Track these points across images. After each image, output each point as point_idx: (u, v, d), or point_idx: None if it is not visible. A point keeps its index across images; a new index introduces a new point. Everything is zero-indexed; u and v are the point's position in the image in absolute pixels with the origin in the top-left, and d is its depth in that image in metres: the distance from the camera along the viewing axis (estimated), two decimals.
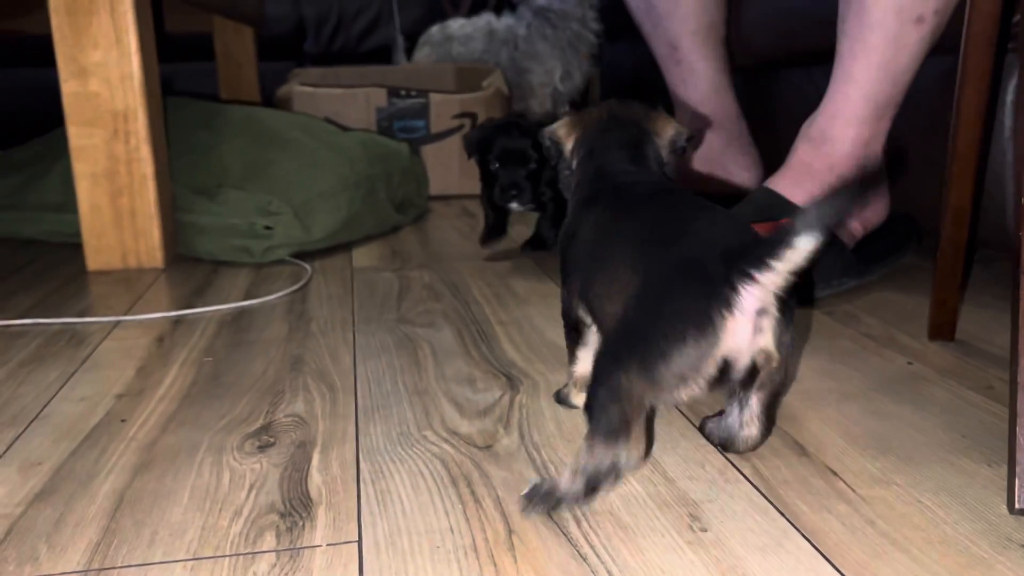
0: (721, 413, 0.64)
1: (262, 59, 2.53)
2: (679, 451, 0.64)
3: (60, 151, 1.34)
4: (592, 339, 0.68)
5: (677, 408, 0.71)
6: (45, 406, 0.76)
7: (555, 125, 0.74)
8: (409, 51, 2.76)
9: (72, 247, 1.37)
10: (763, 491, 0.58)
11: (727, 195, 1.14)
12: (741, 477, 0.60)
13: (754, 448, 0.62)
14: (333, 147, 1.51)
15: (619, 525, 0.54)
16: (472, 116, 1.96)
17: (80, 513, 0.57)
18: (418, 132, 1.95)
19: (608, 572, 0.49)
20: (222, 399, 0.76)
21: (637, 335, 0.53)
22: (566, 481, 0.54)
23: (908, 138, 1.09)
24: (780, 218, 1.00)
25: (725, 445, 0.63)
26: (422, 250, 1.39)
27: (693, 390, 0.53)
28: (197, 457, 0.65)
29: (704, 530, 0.53)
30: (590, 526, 0.54)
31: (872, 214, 1.08)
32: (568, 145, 0.73)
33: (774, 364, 0.55)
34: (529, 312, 1.01)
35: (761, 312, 0.53)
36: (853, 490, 0.58)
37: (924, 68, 1.00)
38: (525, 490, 0.56)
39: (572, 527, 0.54)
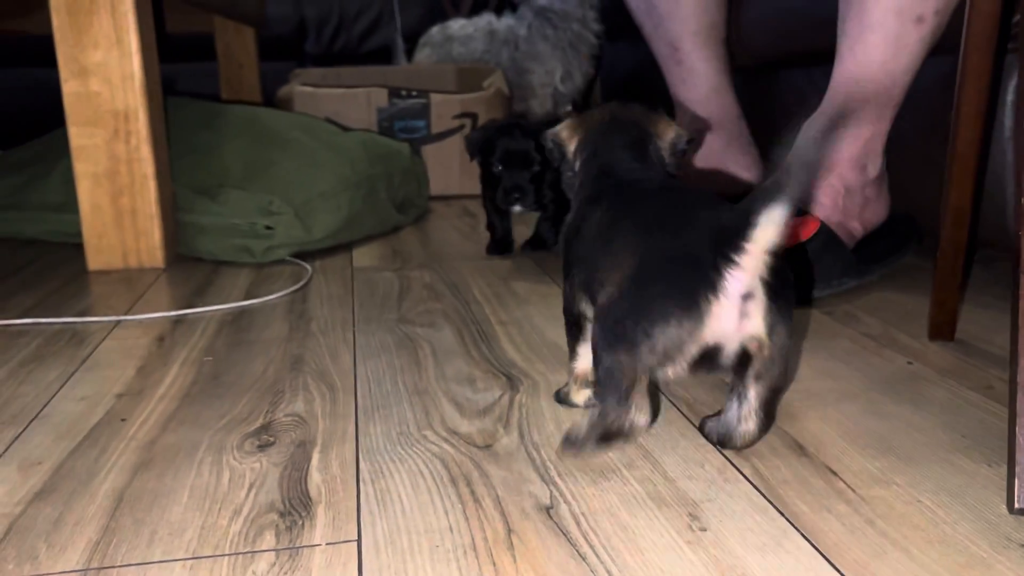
0: (721, 413, 0.64)
1: (263, 59, 2.53)
2: (679, 451, 0.64)
3: (61, 151, 1.34)
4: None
5: (677, 408, 0.71)
6: (45, 405, 0.76)
7: (558, 128, 0.76)
8: (409, 52, 2.76)
9: (73, 247, 1.37)
10: (763, 491, 0.58)
11: (730, 193, 1.14)
12: (741, 477, 0.60)
13: (752, 443, 0.62)
14: (334, 147, 1.51)
15: (619, 525, 0.54)
16: (473, 116, 1.96)
17: (80, 512, 0.57)
18: (419, 132, 1.95)
19: (608, 572, 0.49)
20: (222, 398, 0.76)
21: (627, 315, 0.56)
22: (584, 434, 0.59)
23: (908, 138, 1.09)
24: None
25: (723, 441, 0.63)
26: (422, 250, 1.39)
27: (677, 370, 0.57)
28: (197, 456, 0.65)
29: (704, 530, 0.53)
30: (590, 526, 0.54)
31: (872, 214, 1.08)
32: (571, 147, 0.75)
33: (766, 352, 0.57)
34: (529, 312, 1.01)
35: (747, 296, 0.55)
36: (853, 490, 0.58)
37: (924, 68, 1.00)
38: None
39: (572, 527, 0.54)
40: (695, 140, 1.39)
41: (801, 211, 1.01)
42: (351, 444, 0.66)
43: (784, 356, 0.58)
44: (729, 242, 0.53)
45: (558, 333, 0.90)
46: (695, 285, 0.54)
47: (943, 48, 0.97)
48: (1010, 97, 0.94)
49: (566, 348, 0.72)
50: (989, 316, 0.94)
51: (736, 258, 0.53)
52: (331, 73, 2.14)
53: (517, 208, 1.25)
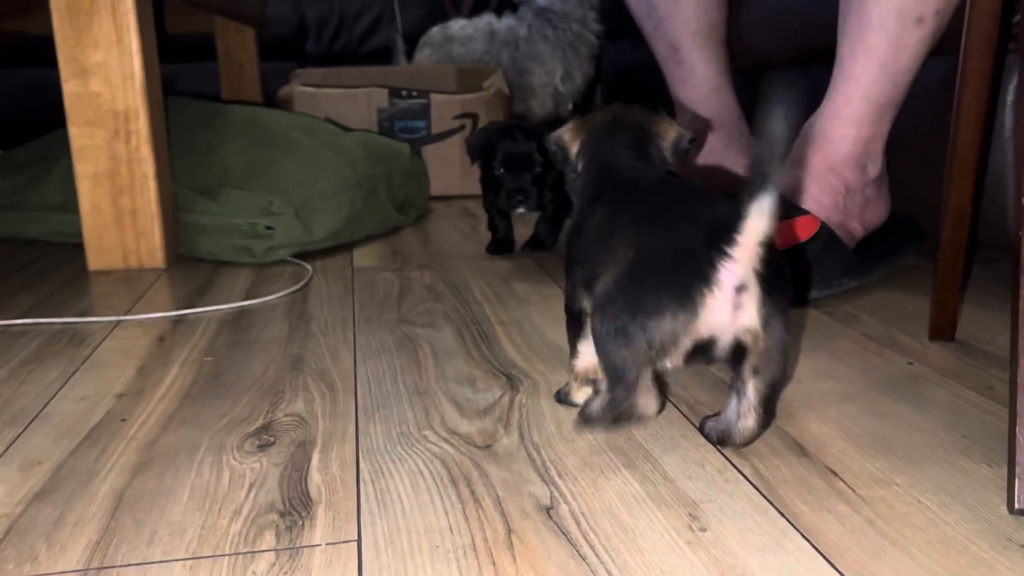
0: (721, 413, 0.64)
1: (264, 59, 2.53)
2: (679, 451, 0.64)
3: (61, 151, 1.34)
4: None
5: (677, 409, 0.71)
6: (45, 405, 0.76)
7: (561, 131, 0.78)
8: (410, 53, 2.76)
9: (73, 247, 1.37)
10: (763, 491, 0.57)
11: (732, 192, 1.14)
12: (741, 477, 0.60)
13: (751, 440, 0.62)
14: (334, 147, 1.51)
15: (619, 525, 0.54)
16: (473, 117, 1.96)
17: (80, 512, 0.57)
18: (419, 132, 1.95)
19: (608, 572, 0.49)
20: (222, 398, 0.76)
21: (622, 310, 0.57)
22: (598, 416, 0.62)
23: (909, 138, 1.09)
24: (782, 218, 1.00)
25: (722, 439, 0.63)
26: (423, 250, 1.39)
27: (673, 362, 0.58)
28: (197, 456, 0.65)
29: (703, 530, 0.53)
30: (590, 526, 0.54)
31: (873, 215, 1.08)
32: (574, 149, 0.76)
33: (762, 345, 0.57)
34: (530, 312, 1.01)
35: (740, 288, 0.55)
36: (853, 490, 0.58)
37: (924, 69, 1.00)
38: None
39: (572, 527, 0.54)
40: (697, 140, 1.39)
41: (801, 211, 1.01)
42: (351, 444, 0.66)
43: (782, 351, 0.59)
44: (721, 234, 0.54)
45: (558, 333, 0.90)
46: (688, 278, 0.55)
47: (943, 48, 0.97)
48: (1010, 97, 0.94)
49: (566, 348, 0.73)
50: (990, 317, 0.94)
51: (728, 250, 0.54)
52: (331, 73, 2.13)
53: (520, 210, 1.25)
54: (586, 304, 0.66)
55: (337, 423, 0.70)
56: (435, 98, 1.95)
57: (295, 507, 0.57)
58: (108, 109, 1.23)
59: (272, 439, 0.67)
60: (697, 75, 1.43)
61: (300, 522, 0.55)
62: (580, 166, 0.75)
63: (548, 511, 0.55)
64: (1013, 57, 0.94)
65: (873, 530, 0.53)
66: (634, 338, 0.56)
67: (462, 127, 1.95)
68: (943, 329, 0.86)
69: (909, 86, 1.00)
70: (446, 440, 0.67)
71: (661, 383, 0.65)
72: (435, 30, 2.58)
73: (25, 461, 0.65)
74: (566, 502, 0.56)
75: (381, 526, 0.54)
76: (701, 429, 0.66)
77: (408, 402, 0.74)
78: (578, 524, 0.54)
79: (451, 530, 0.54)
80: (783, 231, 0.99)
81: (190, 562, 0.51)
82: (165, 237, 1.29)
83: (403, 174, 1.63)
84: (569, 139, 0.76)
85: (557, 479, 0.60)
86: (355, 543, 0.53)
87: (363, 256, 1.36)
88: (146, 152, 1.25)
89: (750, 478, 0.59)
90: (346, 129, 1.67)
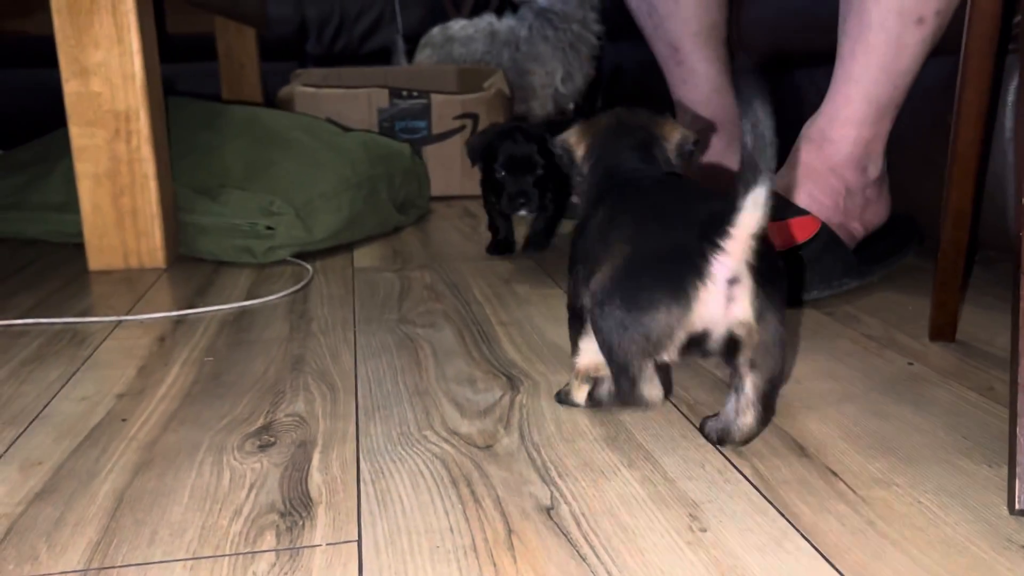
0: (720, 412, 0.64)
1: (264, 60, 2.54)
2: (679, 451, 0.64)
3: (62, 151, 1.34)
4: None
5: (678, 409, 0.71)
6: (46, 405, 0.76)
7: (566, 133, 0.79)
8: (410, 53, 2.76)
9: (74, 247, 1.37)
10: (763, 491, 0.58)
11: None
12: (741, 477, 0.60)
13: (750, 438, 0.62)
14: (335, 147, 1.51)
15: (619, 525, 0.54)
16: (474, 117, 1.96)
17: (80, 512, 0.57)
18: (420, 133, 1.95)
19: (608, 572, 0.49)
20: (223, 399, 0.76)
21: (618, 305, 0.58)
22: (606, 401, 0.68)
23: (909, 139, 1.09)
24: (782, 218, 1.00)
25: (722, 438, 0.63)
26: (423, 250, 1.39)
27: (670, 355, 0.59)
28: (197, 456, 0.65)
29: (704, 530, 0.53)
30: (590, 526, 0.54)
31: (873, 215, 1.08)
32: (580, 152, 0.77)
33: (756, 338, 0.57)
34: (530, 312, 1.01)
35: (733, 281, 0.56)
36: (853, 491, 0.58)
37: (925, 69, 1.00)
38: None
39: (572, 527, 0.54)
40: (701, 141, 1.39)
41: (802, 212, 1.01)
42: (352, 444, 0.66)
43: (779, 345, 0.59)
44: (714, 228, 0.54)
45: (558, 333, 0.90)
46: (681, 272, 0.56)
47: (944, 49, 0.97)
48: (1011, 98, 0.94)
49: (567, 349, 0.73)
50: (990, 317, 0.94)
51: (721, 243, 0.54)
52: (332, 73, 2.14)
53: (522, 212, 1.25)
54: (587, 301, 0.67)
55: (337, 423, 0.70)
56: (436, 98, 1.95)
57: (295, 507, 0.57)
58: (109, 109, 1.23)
59: (273, 439, 0.68)
60: (697, 75, 1.43)
61: (300, 522, 0.55)
62: (586, 169, 0.76)
63: (548, 511, 0.55)
64: (1013, 57, 0.94)
65: (873, 530, 0.53)
66: (631, 332, 0.57)
67: (463, 127, 1.95)
68: (943, 330, 0.86)
69: (909, 86, 1.00)
70: (446, 440, 0.67)
71: (663, 378, 0.65)
72: (436, 30, 2.59)
73: (25, 461, 0.65)
74: (566, 502, 0.57)
75: (381, 526, 0.54)
76: (701, 429, 0.66)
77: (408, 402, 0.75)
78: (578, 524, 0.54)
79: (451, 530, 0.54)
80: (783, 231, 0.99)
81: (190, 562, 0.51)
82: (166, 237, 1.29)
83: (404, 174, 1.63)
84: (575, 142, 0.77)
85: (557, 479, 0.60)
86: (355, 543, 0.53)
87: (364, 256, 1.36)
88: (147, 152, 1.25)
89: (750, 478, 0.59)
90: (347, 129, 1.67)
